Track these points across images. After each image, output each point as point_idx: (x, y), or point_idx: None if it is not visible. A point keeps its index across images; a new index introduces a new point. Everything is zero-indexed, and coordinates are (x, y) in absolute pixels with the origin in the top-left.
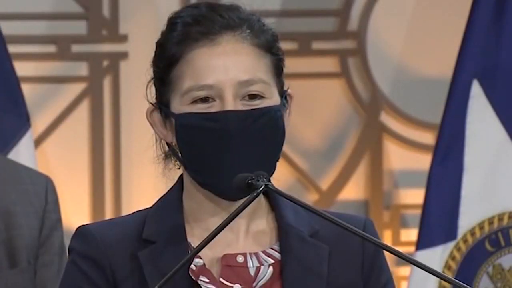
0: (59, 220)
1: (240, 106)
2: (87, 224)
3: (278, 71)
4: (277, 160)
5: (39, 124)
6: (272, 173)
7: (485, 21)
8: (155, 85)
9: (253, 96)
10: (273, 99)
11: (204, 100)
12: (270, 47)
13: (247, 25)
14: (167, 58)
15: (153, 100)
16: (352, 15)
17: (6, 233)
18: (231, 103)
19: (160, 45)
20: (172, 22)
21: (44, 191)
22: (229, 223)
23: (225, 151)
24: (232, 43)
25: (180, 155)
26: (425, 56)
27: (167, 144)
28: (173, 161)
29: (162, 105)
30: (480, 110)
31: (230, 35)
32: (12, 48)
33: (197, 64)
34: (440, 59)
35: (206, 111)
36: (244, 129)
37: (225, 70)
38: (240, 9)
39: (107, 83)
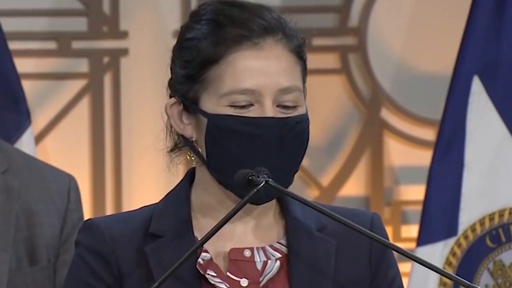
0: (81, 218)
1: (277, 113)
2: (94, 218)
3: (304, 77)
4: (297, 171)
5: (39, 120)
6: (290, 183)
7: (485, 17)
8: (177, 78)
9: (288, 107)
10: (303, 107)
11: (243, 106)
12: (300, 52)
13: (282, 29)
14: (202, 57)
15: (164, 90)
16: (353, 11)
17: (27, 231)
18: (271, 110)
19: (189, 40)
20: (203, 18)
21: (66, 189)
22: (231, 217)
23: (259, 157)
24: (274, 48)
25: (199, 151)
26: (425, 52)
27: (183, 137)
28: (188, 156)
29: (187, 100)
30: (480, 106)
31: (272, 40)
32: (12, 45)
33: (240, 67)
34: (440, 55)
35: (245, 115)
36: (282, 137)
37: (268, 75)
38: (272, 8)
39: (107, 79)
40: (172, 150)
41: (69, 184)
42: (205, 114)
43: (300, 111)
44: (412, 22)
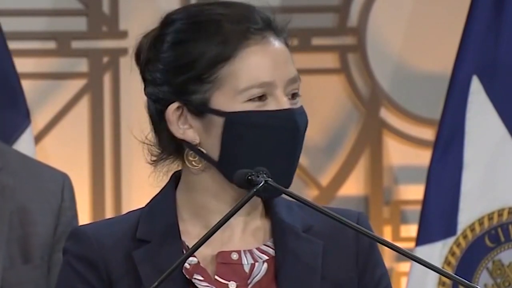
0: (74, 217)
1: (289, 104)
2: (80, 225)
3: None
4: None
5: (39, 120)
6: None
7: (484, 17)
8: (172, 83)
9: (295, 95)
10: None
11: (260, 98)
12: (289, 44)
13: (276, 23)
14: (209, 57)
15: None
16: (352, 11)
17: (21, 230)
18: (286, 101)
19: (178, 45)
20: (185, 22)
21: (60, 188)
22: (228, 220)
23: (277, 152)
24: (277, 41)
25: (203, 153)
26: (424, 52)
27: (183, 141)
28: (187, 161)
29: (192, 103)
30: (479, 106)
31: (273, 34)
32: (12, 45)
33: (253, 63)
34: (439, 55)
35: (265, 109)
36: (299, 127)
37: (278, 67)
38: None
39: (107, 79)
40: (157, 161)
41: (63, 182)
42: (219, 113)
43: (300, 101)
44: (411, 22)
